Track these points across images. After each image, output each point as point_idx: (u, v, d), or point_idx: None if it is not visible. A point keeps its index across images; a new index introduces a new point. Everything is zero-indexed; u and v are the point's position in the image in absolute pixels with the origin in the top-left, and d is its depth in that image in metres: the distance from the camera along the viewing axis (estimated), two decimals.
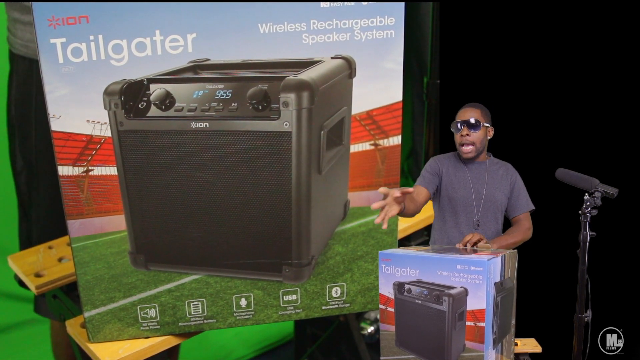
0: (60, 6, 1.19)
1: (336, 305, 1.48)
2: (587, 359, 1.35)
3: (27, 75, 1.83)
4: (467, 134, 1.35)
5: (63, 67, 1.22)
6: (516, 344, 1.39)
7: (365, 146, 1.39)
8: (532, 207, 1.40)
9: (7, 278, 2.05)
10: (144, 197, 1.36)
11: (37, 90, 1.82)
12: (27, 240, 1.93)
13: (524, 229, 1.38)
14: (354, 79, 1.33)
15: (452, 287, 1.15)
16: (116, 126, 1.31)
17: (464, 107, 1.38)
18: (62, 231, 1.72)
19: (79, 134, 1.28)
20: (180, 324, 1.43)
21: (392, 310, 1.23)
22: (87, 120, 1.28)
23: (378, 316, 1.70)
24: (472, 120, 1.35)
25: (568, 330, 1.34)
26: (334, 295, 1.47)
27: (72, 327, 1.48)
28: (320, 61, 1.31)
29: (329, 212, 1.43)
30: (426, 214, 1.66)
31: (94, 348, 1.40)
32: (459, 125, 1.36)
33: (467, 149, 1.36)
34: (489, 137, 1.38)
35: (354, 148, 1.39)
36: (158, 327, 1.42)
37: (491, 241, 1.33)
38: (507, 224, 1.40)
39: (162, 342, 1.43)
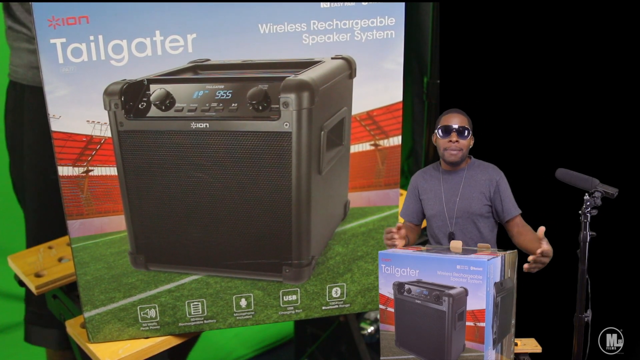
0: (60, 6, 1.19)
1: (336, 306, 1.48)
2: (587, 359, 1.35)
3: (17, 99, 1.84)
4: (457, 140, 1.30)
5: (63, 67, 1.22)
6: (516, 344, 1.39)
7: (366, 146, 1.39)
8: (519, 210, 1.37)
9: (7, 278, 2.05)
10: (144, 197, 1.36)
11: (27, 115, 1.84)
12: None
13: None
14: (354, 79, 1.33)
15: (452, 287, 1.15)
16: (116, 126, 1.31)
17: (449, 112, 1.34)
18: (62, 232, 1.72)
19: (79, 134, 1.28)
20: (180, 324, 1.43)
21: (392, 310, 1.23)
22: (87, 121, 1.28)
23: (378, 316, 1.70)
24: (462, 127, 1.31)
25: (568, 330, 1.34)
26: (334, 295, 1.47)
27: (72, 327, 1.48)
28: (320, 61, 1.31)
29: (329, 212, 1.43)
30: None
31: (94, 348, 1.40)
32: (447, 129, 1.31)
33: (454, 152, 1.31)
34: (470, 146, 1.35)
35: (354, 148, 1.39)
36: (158, 327, 1.42)
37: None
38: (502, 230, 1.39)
39: (162, 343, 1.43)
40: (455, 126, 1.31)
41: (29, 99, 1.81)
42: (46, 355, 2.09)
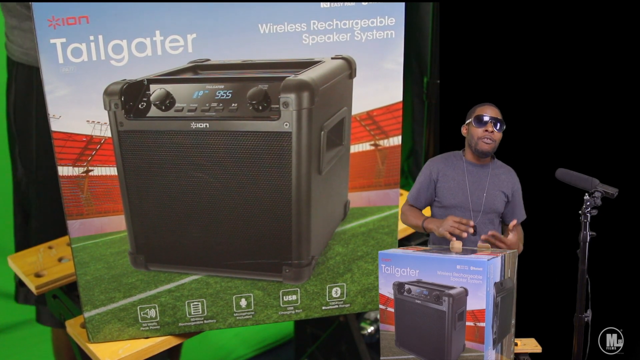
0: (60, 6, 1.19)
1: (336, 306, 1.48)
2: (587, 359, 1.35)
3: (27, 82, 1.81)
4: (493, 131, 1.32)
5: (63, 67, 1.22)
6: (516, 344, 1.39)
7: (366, 146, 1.39)
8: (525, 216, 1.40)
9: (7, 278, 2.06)
10: (144, 197, 1.36)
11: (37, 97, 1.81)
12: (26, 244, 1.92)
13: (521, 237, 1.39)
14: (354, 79, 1.33)
15: (452, 287, 1.15)
16: (116, 126, 1.31)
17: (485, 105, 1.35)
18: (62, 232, 1.72)
19: (79, 134, 1.28)
20: (180, 324, 1.43)
21: (392, 310, 1.23)
22: (87, 121, 1.28)
23: (378, 316, 1.70)
24: (497, 119, 1.32)
25: (568, 330, 1.34)
26: (334, 295, 1.47)
27: (72, 327, 1.48)
28: (320, 61, 1.31)
29: (329, 212, 1.43)
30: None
31: (94, 348, 1.40)
32: (482, 120, 1.32)
33: (488, 141, 1.32)
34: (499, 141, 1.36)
35: (354, 148, 1.39)
36: (158, 327, 1.42)
37: (512, 233, 1.30)
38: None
39: (162, 343, 1.43)
40: (491, 117, 1.32)
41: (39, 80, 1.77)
42: (52, 340, 2.08)
